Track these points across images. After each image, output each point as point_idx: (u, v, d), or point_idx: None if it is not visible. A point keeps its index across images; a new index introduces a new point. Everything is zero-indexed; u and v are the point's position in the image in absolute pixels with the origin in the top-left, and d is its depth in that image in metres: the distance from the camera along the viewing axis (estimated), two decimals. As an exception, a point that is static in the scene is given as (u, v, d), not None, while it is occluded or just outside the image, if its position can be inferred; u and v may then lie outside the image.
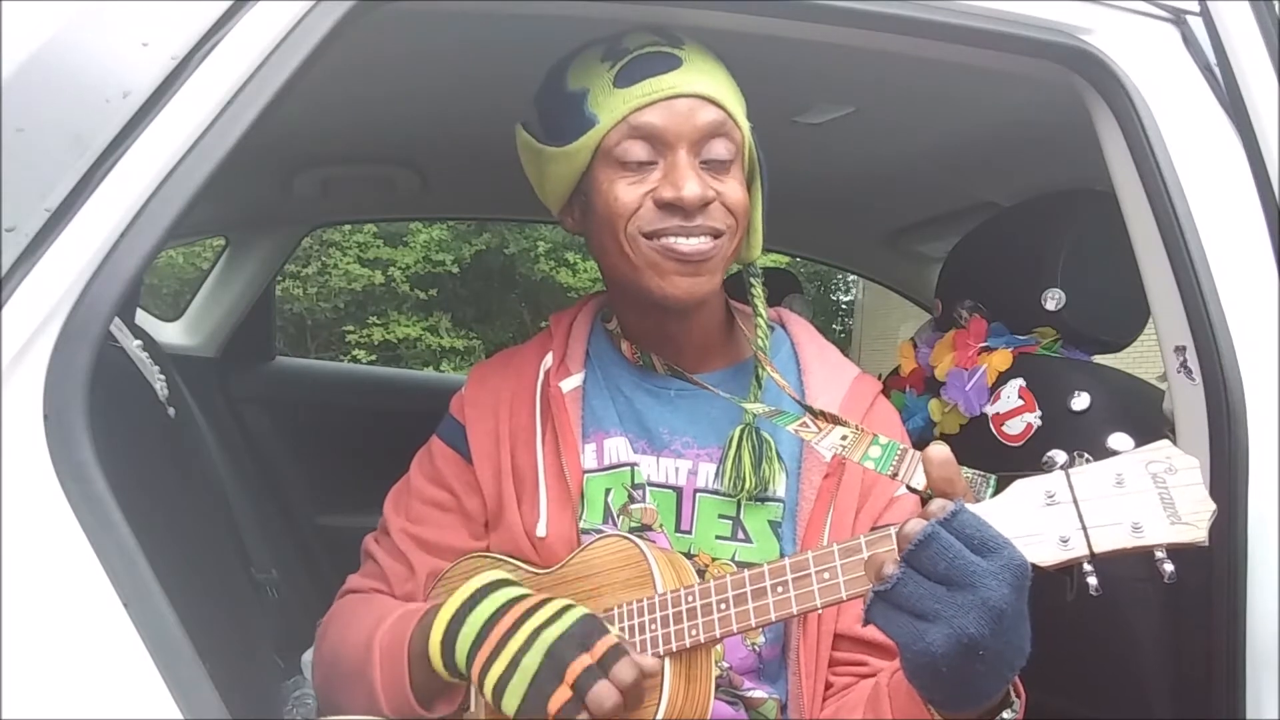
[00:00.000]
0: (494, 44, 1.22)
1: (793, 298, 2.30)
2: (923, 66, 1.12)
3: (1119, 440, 0.81)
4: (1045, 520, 0.79)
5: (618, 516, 1.08)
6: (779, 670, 1.08)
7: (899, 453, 0.98)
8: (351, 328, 11.19)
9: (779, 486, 1.08)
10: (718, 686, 0.98)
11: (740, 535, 1.07)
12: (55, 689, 0.70)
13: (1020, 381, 1.48)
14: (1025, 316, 1.54)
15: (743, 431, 1.07)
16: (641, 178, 1.00)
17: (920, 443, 1.06)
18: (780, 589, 0.87)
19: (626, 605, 0.94)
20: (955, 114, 1.51)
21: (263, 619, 1.73)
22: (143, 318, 2.16)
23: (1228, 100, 1.07)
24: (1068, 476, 0.79)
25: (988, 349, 1.56)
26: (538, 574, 1.04)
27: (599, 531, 1.06)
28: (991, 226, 1.74)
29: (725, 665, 1.05)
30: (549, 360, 1.14)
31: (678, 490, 1.09)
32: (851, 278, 11.71)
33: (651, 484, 1.09)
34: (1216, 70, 1.08)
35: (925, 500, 0.80)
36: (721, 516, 1.08)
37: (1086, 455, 0.81)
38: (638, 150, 1.00)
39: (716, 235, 1.01)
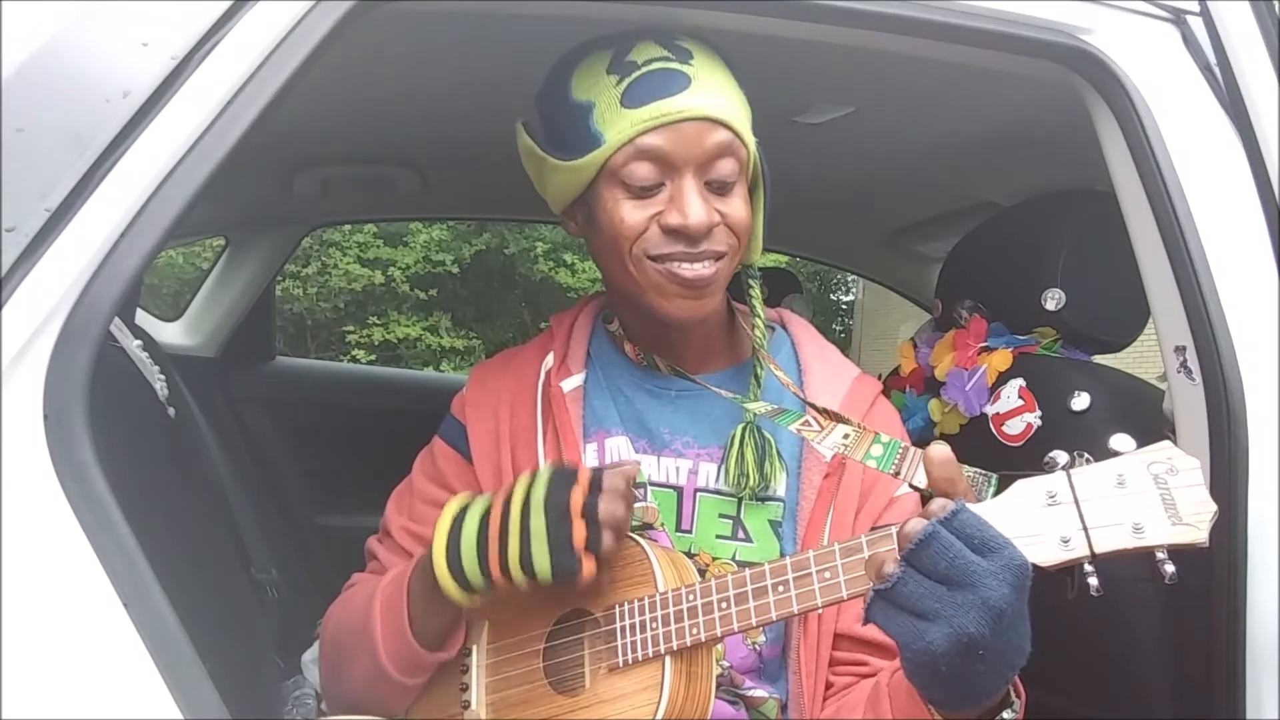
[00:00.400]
0: (494, 44, 1.22)
1: (793, 298, 2.31)
2: (923, 66, 1.12)
3: (1120, 441, 0.81)
4: (1046, 520, 0.79)
5: (619, 516, 1.08)
6: (779, 670, 1.08)
7: (901, 451, 0.98)
8: (351, 328, 11.19)
9: (779, 486, 1.08)
10: (718, 686, 0.98)
11: (740, 535, 1.07)
12: (55, 689, 0.70)
13: (1020, 381, 1.48)
14: (1025, 316, 1.54)
15: (744, 429, 1.07)
16: (647, 199, 1.00)
17: (920, 443, 1.06)
18: (781, 588, 0.87)
19: (627, 603, 0.94)
20: (955, 114, 1.51)
21: (263, 619, 1.73)
22: (143, 318, 2.16)
23: (1228, 100, 1.07)
24: (1069, 477, 0.79)
25: (988, 349, 1.56)
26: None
27: (600, 531, 1.06)
28: (991, 226, 1.74)
29: (726, 664, 1.05)
30: (550, 360, 1.14)
31: (678, 490, 1.09)
32: (851, 278, 11.71)
33: (652, 484, 1.09)
34: (1216, 70, 1.08)
35: (926, 500, 0.80)
36: (722, 516, 1.08)
37: (1087, 455, 0.81)
38: (644, 172, 0.99)
39: (719, 258, 1.02)
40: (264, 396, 2.49)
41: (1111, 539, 0.77)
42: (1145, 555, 0.77)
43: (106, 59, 0.79)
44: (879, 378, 1.34)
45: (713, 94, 1.00)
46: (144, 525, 0.76)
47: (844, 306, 15.15)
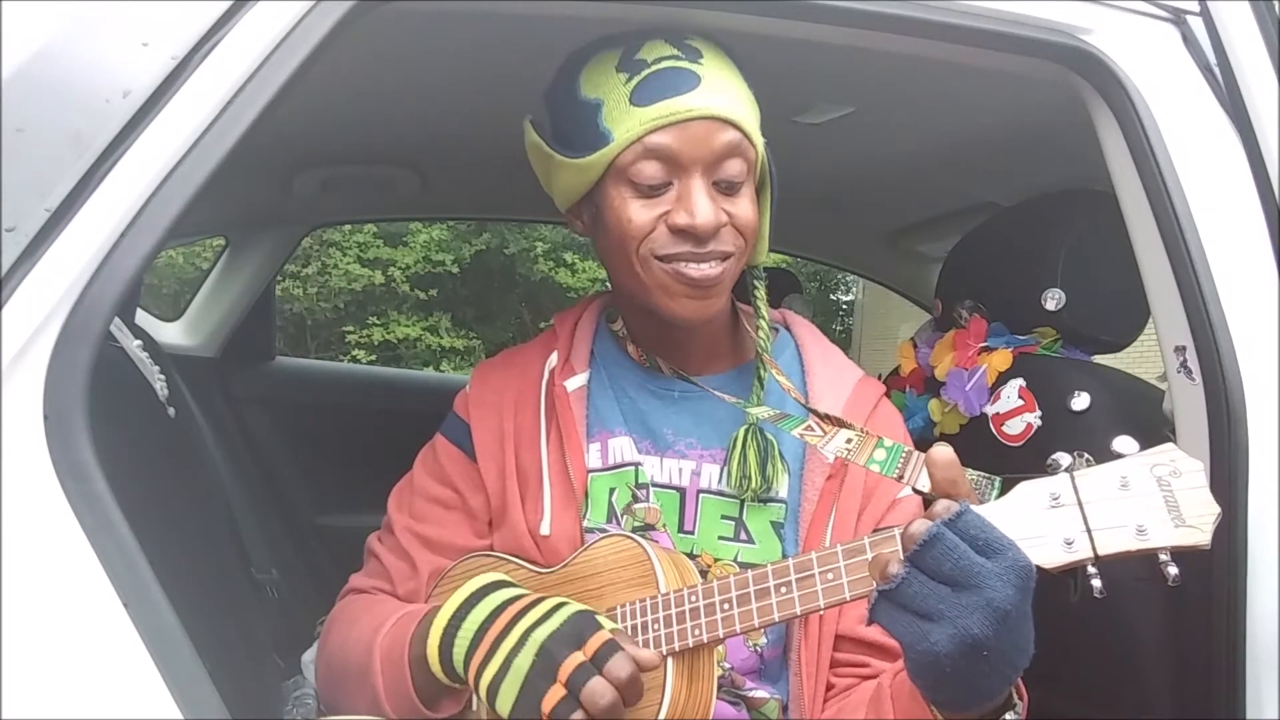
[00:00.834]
0: (494, 44, 1.22)
1: (793, 298, 2.31)
2: (923, 66, 1.12)
3: (1124, 443, 0.81)
4: (1050, 522, 0.79)
5: (621, 516, 1.08)
6: (780, 670, 1.08)
7: (904, 455, 0.97)
8: (351, 328, 11.18)
9: (781, 488, 1.08)
10: (719, 687, 0.98)
11: (743, 536, 1.07)
12: (55, 689, 0.70)
13: (1020, 381, 1.48)
14: (1025, 316, 1.54)
15: (747, 431, 1.07)
16: (655, 198, 1.00)
17: (920, 442, 1.06)
18: (784, 589, 0.87)
19: (629, 605, 0.94)
20: (955, 114, 1.51)
21: (263, 619, 1.73)
22: (143, 318, 2.16)
23: (1228, 100, 1.07)
24: (1072, 479, 0.79)
25: (988, 349, 1.56)
26: (540, 573, 1.04)
27: (602, 531, 1.06)
28: (991, 226, 1.74)
29: (727, 665, 1.05)
30: (553, 359, 1.14)
31: (681, 491, 1.09)
32: (851, 278, 11.71)
33: (655, 484, 1.09)
34: (1216, 70, 1.08)
35: (929, 503, 0.80)
36: (724, 517, 1.08)
37: (1087, 455, 0.81)
38: (652, 171, 0.99)
39: (726, 258, 1.01)
40: (264, 396, 2.49)
41: (1115, 541, 0.77)
42: (1147, 556, 0.77)
43: (106, 59, 0.78)
44: (879, 378, 1.34)
45: (722, 93, 1.00)
46: (144, 525, 0.76)
47: (844, 306, 15.14)
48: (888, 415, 1.15)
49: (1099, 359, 1.57)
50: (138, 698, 0.71)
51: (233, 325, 2.45)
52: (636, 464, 1.09)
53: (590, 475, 1.09)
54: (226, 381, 2.43)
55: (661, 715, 0.88)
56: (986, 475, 0.95)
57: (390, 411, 2.51)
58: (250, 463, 2.36)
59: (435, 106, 1.52)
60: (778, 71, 1.07)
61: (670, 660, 0.90)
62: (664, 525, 1.07)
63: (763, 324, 1.12)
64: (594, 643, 0.86)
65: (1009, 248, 1.62)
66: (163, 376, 1.45)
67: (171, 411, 1.45)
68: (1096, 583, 0.77)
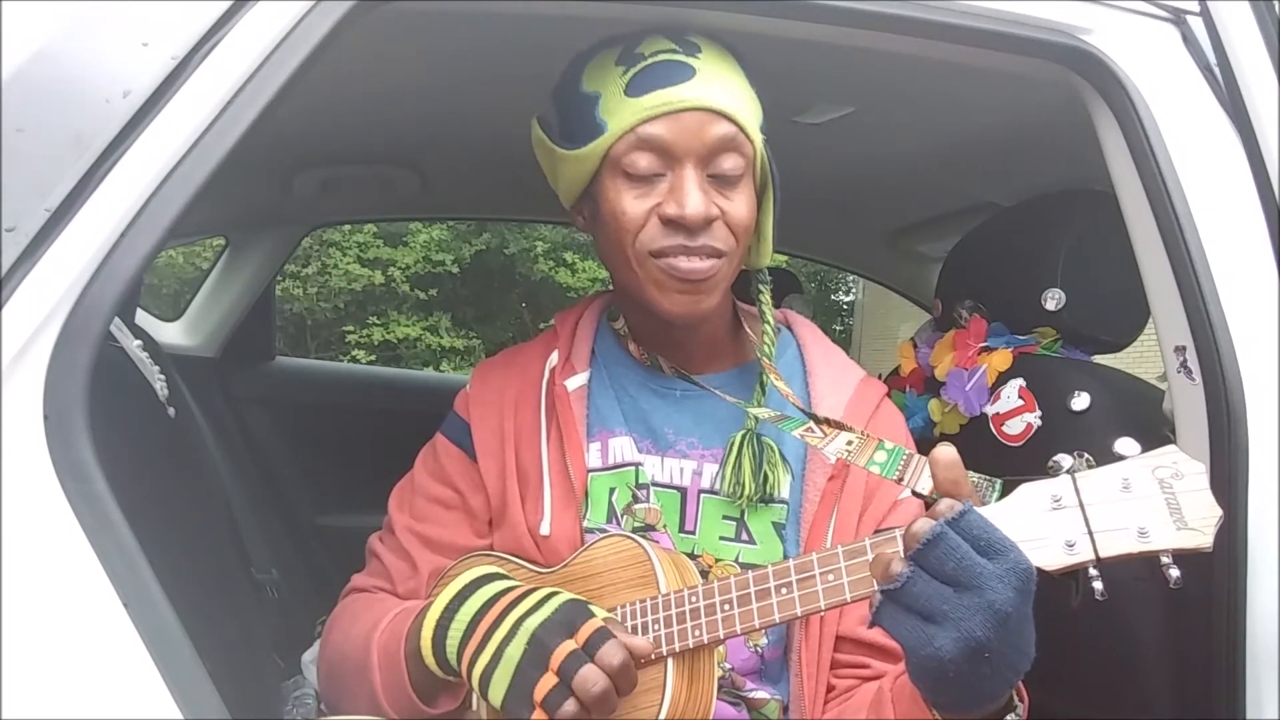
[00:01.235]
0: (494, 44, 1.22)
1: (793, 298, 2.31)
2: (923, 66, 1.12)
3: (1125, 445, 0.81)
4: (1051, 524, 0.78)
5: (621, 516, 1.08)
6: (781, 671, 1.08)
7: (904, 458, 0.97)
8: (351, 328, 11.18)
9: (783, 489, 1.08)
10: (720, 687, 0.98)
11: (744, 536, 1.07)
12: (55, 689, 0.70)
13: (1020, 381, 1.48)
14: (1025, 316, 1.54)
15: (743, 437, 1.06)
16: (648, 190, 1.00)
17: (920, 442, 1.06)
18: (784, 590, 0.87)
19: (630, 605, 0.94)
20: (955, 114, 1.51)
21: (263, 619, 1.73)
22: (143, 318, 2.16)
23: (1228, 100, 1.07)
24: (1074, 481, 0.79)
25: (988, 349, 1.56)
26: (540, 573, 1.04)
27: (603, 531, 1.06)
28: (991, 226, 1.74)
29: (727, 666, 1.05)
30: (554, 358, 1.14)
31: (682, 491, 1.09)
32: (851, 278, 11.71)
33: (656, 484, 1.09)
34: (1216, 70, 1.08)
35: (929, 506, 0.80)
36: (725, 518, 1.07)
37: (1087, 455, 0.81)
38: (645, 162, 0.99)
39: (717, 255, 1.00)
40: (264, 396, 2.49)
41: (1117, 543, 0.77)
42: (1148, 558, 0.77)
43: (106, 59, 0.78)
44: (879, 378, 1.34)
45: (717, 86, 1.00)
46: (144, 525, 0.76)
47: (844, 306, 15.14)
48: (890, 416, 1.15)
49: (1099, 359, 1.57)
50: (138, 698, 0.71)
51: (233, 325, 2.45)
52: (637, 464, 1.09)
53: (590, 475, 1.09)
54: (226, 381, 2.43)
55: (662, 715, 0.88)
56: (987, 477, 0.95)
57: (390, 411, 2.51)
58: (250, 463, 2.36)
59: (435, 106, 1.52)
60: (778, 71, 1.07)
61: (670, 661, 0.90)
62: (664, 526, 1.07)
63: (767, 329, 1.11)
64: (586, 630, 0.86)
65: (1009, 248, 1.62)
66: (163, 376, 1.45)
67: (171, 411, 1.45)
68: (1098, 585, 0.77)
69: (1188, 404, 1.06)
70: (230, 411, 2.41)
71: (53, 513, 0.72)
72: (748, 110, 1.02)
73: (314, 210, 2.38)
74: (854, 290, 13.87)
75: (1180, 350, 1.06)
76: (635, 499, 1.08)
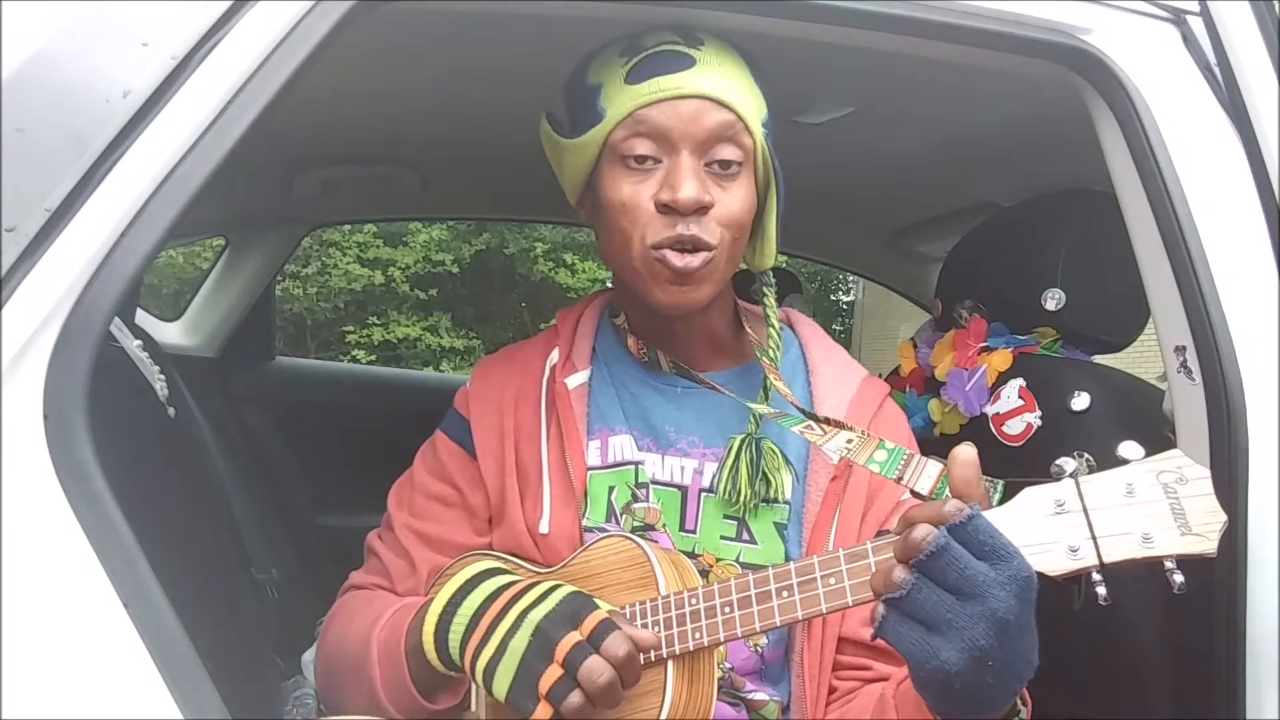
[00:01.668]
0: (494, 44, 1.22)
1: (793, 298, 2.30)
2: (923, 66, 1.12)
3: (1129, 449, 0.80)
4: (1055, 529, 0.78)
5: (620, 515, 1.08)
6: (781, 672, 1.07)
7: (905, 457, 0.97)
8: (351, 328, 11.17)
9: (785, 489, 1.07)
10: (719, 688, 0.98)
11: (745, 536, 1.07)
12: (55, 689, 0.70)
13: (1020, 381, 1.48)
14: (1025, 316, 1.54)
15: (743, 441, 1.06)
16: (645, 176, 1.00)
17: (920, 442, 1.06)
18: (785, 593, 0.87)
19: (629, 607, 0.94)
20: (955, 114, 1.51)
21: (263, 619, 1.73)
22: (143, 318, 2.16)
23: (1228, 100, 1.07)
24: (1077, 485, 0.79)
25: (988, 349, 1.56)
26: (539, 573, 1.04)
27: (602, 530, 1.06)
28: (991, 226, 1.74)
29: (727, 666, 1.05)
30: (555, 356, 1.14)
31: (682, 489, 1.09)
32: (851, 278, 11.70)
33: (656, 482, 1.09)
34: (1216, 70, 1.08)
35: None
36: (726, 517, 1.07)
37: (1088, 456, 0.81)
38: (642, 148, 0.99)
39: (708, 249, 1.00)
40: (264, 396, 2.49)
41: (1120, 548, 0.77)
42: (1151, 563, 0.77)
43: (106, 59, 0.78)
44: (879, 377, 1.34)
45: (716, 76, 1.00)
46: (144, 525, 0.76)
47: (844, 306, 15.13)
48: (892, 416, 1.14)
49: (1099, 359, 1.57)
50: (138, 698, 0.71)
51: (233, 325, 2.45)
52: (637, 462, 1.09)
53: (590, 473, 1.09)
54: (226, 381, 2.43)
55: (662, 717, 0.88)
56: (989, 479, 0.94)
57: (390, 411, 2.50)
58: (250, 463, 2.36)
59: (435, 106, 1.52)
60: (778, 71, 1.07)
61: (670, 662, 0.90)
62: (664, 526, 1.07)
63: (772, 331, 1.11)
64: (590, 622, 0.86)
65: (1009, 248, 1.62)
66: (163, 376, 1.45)
67: (171, 411, 1.45)
68: (1101, 590, 0.77)
69: (1188, 404, 1.06)
70: (230, 411, 2.41)
71: (53, 513, 0.72)
72: (748, 102, 1.02)
73: (314, 210, 2.38)
74: (854, 290, 13.87)
75: (1180, 350, 1.06)
76: (635, 498, 1.08)
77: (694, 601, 0.91)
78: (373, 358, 10.78)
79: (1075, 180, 1.59)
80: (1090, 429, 1.36)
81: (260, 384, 2.52)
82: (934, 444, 1.59)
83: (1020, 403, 1.46)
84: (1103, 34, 1.06)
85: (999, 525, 0.76)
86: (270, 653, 1.56)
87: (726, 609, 0.89)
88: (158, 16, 0.80)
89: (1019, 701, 0.82)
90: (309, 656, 1.61)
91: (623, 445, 1.10)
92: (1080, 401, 1.38)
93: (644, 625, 0.92)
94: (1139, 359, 2.11)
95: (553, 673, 0.84)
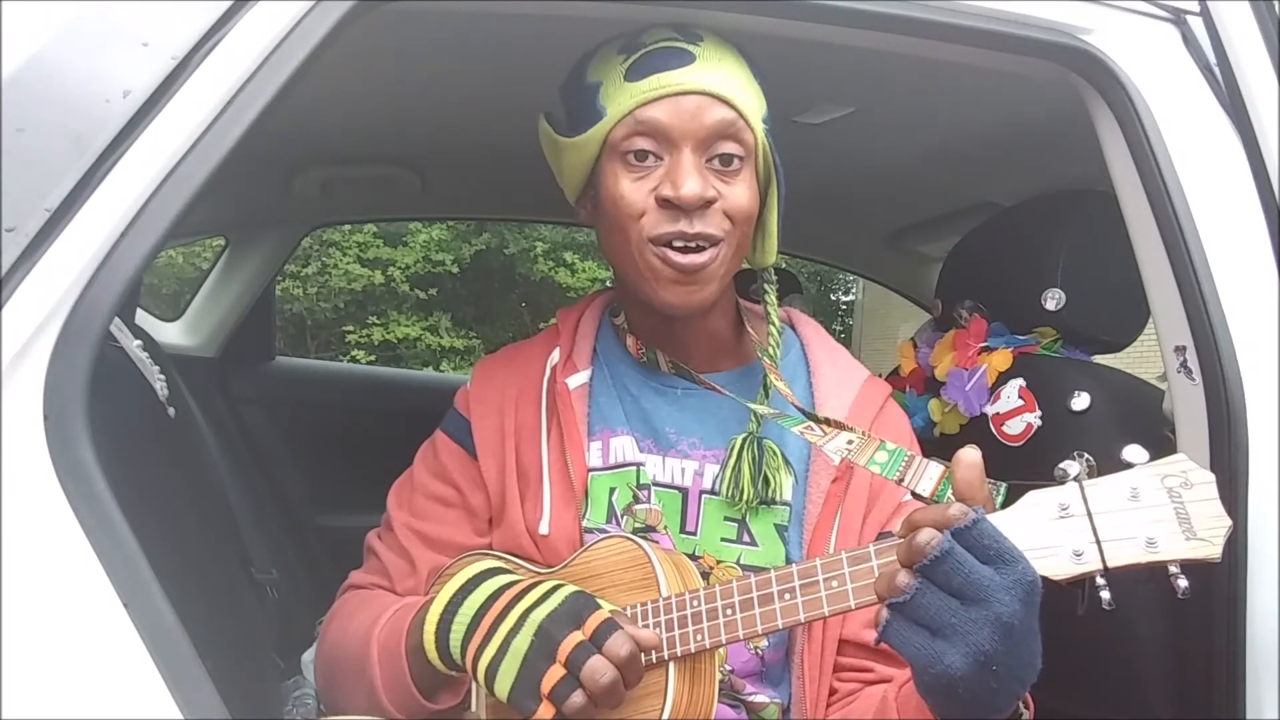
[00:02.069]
0: (494, 44, 1.22)
1: (793, 298, 2.30)
2: (923, 66, 1.12)
3: (1134, 453, 0.80)
4: (1059, 533, 0.78)
5: (621, 517, 1.08)
6: (782, 674, 1.07)
7: (906, 459, 0.97)
8: (351, 328, 11.18)
9: (785, 491, 1.07)
10: (719, 689, 0.98)
11: (745, 538, 1.06)
12: (55, 689, 0.70)
13: (1020, 381, 1.48)
14: (1025, 316, 1.54)
15: (744, 441, 1.06)
16: (646, 173, 1.00)
17: (920, 442, 1.06)
18: (787, 595, 0.86)
19: (630, 608, 0.94)
20: (955, 114, 1.51)
21: (263, 619, 1.73)
22: (143, 318, 2.16)
23: (1228, 100, 1.07)
24: (1081, 489, 0.78)
25: (988, 349, 1.56)
26: (540, 573, 1.03)
27: (602, 531, 1.06)
28: (991, 226, 1.74)
29: (727, 668, 1.05)
30: (555, 356, 1.13)
31: (683, 491, 1.08)
32: (851, 278, 11.70)
33: (657, 484, 1.08)
34: (1216, 70, 1.08)
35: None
36: (727, 519, 1.07)
37: (1088, 456, 0.80)
38: (643, 145, 0.99)
39: (715, 243, 1.00)
40: (264, 396, 2.49)
41: (1124, 553, 0.77)
42: (1155, 567, 0.77)
43: (106, 59, 0.78)
44: (879, 377, 1.34)
45: (716, 73, 1.00)
46: (144, 525, 0.76)
47: (844, 306, 15.14)
48: (894, 417, 1.14)
49: (1099, 359, 1.57)
50: (138, 698, 0.70)
51: (232, 325, 2.45)
52: (638, 464, 1.08)
53: (591, 474, 1.09)
54: (226, 381, 2.43)
55: (664, 717, 0.88)
56: (992, 480, 0.94)
57: (390, 411, 2.50)
58: (250, 463, 2.36)
59: (435, 106, 1.52)
60: (778, 71, 1.07)
61: (672, 663, 0.90)
62: (665, 527, 1.07)
63: (773, 330, 1.11)
64: (593, 622, 0.86)
65: (1009, 248, 1.62)
66: (163, 376, 1.45)
67: (171, 411, 1.45)
68: (1105, 594, 0.77)
69: (1188, 404, 1.06)
70: (230, 411, 2.41)
71: (53, 513, 0.72)
72: (749, 99, 1.02)
73: (314, 210, 2.38)
74: (854, 290, 13.87)
75: (1180, 350, 1.06)
76: (636, 499, 1.07)
77: (695, 603, 0.91)
78: (373, 358, 10.79)
79: (1075, 180, 1.59)
80: (1090, 429, 1.36)
81: (260, 384, 2.51)
82: (934, 444, 1.59)
83: (1020, 403, 1.46)
84: (1103, 34, 1.06)
85: (1003, 529, 0.76)
86: (270, 653, 1.56)
87: (728, 611, 0.89)
88: (158, 16, 0.80)
89: (1021, 704, 0.82)
90: (309, 656, 1.61)
91: (624, 446, 1.10)
92: (1080, 401, 1.38)
93: (645, 626, 0.92)
94: (1139, 359, 2.11)
95: (555, 672, 0.84)
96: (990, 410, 1.50)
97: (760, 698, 1.05)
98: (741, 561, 1.06)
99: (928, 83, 1.31)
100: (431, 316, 11.54)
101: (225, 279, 2.46)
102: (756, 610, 0.88)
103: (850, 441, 1.00)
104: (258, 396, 2.47)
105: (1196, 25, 1.09)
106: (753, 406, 1.07)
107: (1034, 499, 0.80)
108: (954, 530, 0.73)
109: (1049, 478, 0.81)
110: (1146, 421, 1.26)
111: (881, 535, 1.02)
